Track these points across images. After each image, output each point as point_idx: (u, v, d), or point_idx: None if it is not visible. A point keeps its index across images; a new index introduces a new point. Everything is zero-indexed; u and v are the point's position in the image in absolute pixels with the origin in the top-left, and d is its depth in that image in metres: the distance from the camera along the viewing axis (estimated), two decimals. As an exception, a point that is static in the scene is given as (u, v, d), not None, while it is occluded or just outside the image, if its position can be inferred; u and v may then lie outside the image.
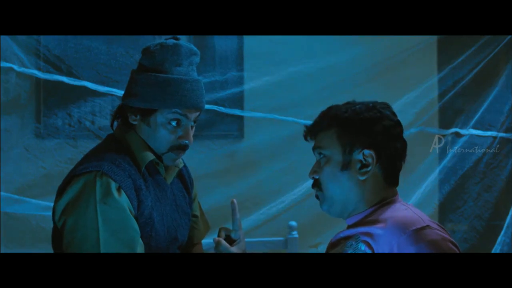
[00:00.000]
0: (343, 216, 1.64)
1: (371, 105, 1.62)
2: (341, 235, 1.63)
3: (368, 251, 1.51)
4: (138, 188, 1.69)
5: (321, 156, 1.63)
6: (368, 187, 1.60)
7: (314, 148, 1.66)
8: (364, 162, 1.58)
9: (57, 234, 1.69)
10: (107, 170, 1.64)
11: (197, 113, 1.76)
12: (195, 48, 1.78)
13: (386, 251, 1.48)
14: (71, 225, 1.61)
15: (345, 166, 1.59)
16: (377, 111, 1.61)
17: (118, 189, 1.64)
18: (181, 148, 1.75)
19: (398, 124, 1.64)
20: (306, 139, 1.68)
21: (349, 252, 1.56)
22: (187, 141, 1.75)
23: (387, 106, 1.65)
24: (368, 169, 1.58)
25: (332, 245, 1.66)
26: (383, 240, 1.50)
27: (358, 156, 1.58)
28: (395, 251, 1.47)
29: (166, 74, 1.72)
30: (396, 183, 1.64)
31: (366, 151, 1.58)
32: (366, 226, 1.55)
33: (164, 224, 1.77)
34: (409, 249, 1.46)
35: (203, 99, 1.76)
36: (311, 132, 1.66)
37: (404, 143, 1.64)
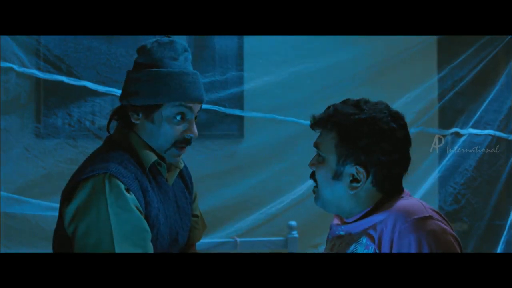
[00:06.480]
0: (341, 215, 1.64)
1: (377, 117, 1.53)
2: (344, 228, 1.62)
3: (370, 243, 1.51)
4: (144, 190, 1.67)
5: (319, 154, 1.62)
6: (362, 199, 1.57)
7: (314, 144, 1.63)
8: (355, 176, 1.54)
9: (62, 239, 1.67)
10: (115, 172, 1.62)
11: (199, 106, 1.76)
12: (187, 45, 1.78)
13: (387, 239, 1.47)
14: (83, 230, 1.58)
15: (337, 176, 1.56)
16: (379, 127, 1.52)
17: (127, 191, 1.61)
18: (185, 142, 1.73)
19: (400, 140, 1.55)
20: (313, 129, 1.65)
21: (352, 245, 1.55)
22: (192, 135, 1.74)
23: (395, 118, 1.55)
24: (358, 185, 1.54)
25: (338, 237, 1.65)
26: (386, 226, 1.48)
27: (351, 169, 1.54)
28: (395, 238, 1.46)
29: (166, 68, 1.72)
30: (397, 191, 1.59)
31: (359, 168, 1.53)
32: (368, 217, 1.54)
33: (167, 226, 1.76)
34: (409, 236, 1.45)
35: (203, 92, 1.77)
36: (317, 125, 1.62)
37: (406, 158, 1.57)
